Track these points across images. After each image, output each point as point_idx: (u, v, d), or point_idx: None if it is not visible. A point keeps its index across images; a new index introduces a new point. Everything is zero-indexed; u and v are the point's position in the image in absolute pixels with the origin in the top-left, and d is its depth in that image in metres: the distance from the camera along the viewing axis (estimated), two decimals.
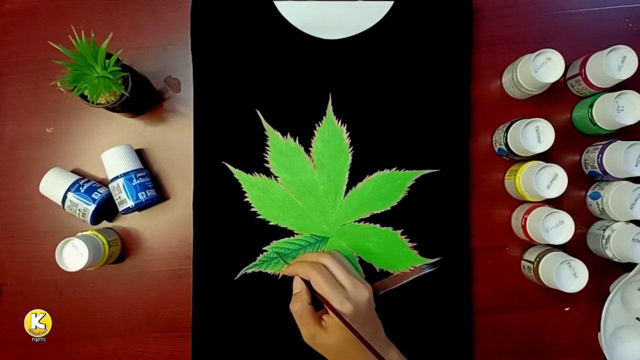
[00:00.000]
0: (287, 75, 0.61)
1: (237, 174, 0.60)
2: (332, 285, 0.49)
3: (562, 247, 0.58)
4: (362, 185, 0.60)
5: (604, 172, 0.56)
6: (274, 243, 0.60)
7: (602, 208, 0.57)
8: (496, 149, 0.61)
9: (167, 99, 0.63)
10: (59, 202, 0.58)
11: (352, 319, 0.48)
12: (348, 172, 0.60)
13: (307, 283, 0.51)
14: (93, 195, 0.58)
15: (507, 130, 0.57)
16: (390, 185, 0.60)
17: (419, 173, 0.60)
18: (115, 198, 0.59)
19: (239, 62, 0.61)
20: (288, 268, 0.54)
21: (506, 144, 0.57)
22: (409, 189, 0.60)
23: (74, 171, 0.62)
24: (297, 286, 0.52)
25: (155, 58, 0.63)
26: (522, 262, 0.61)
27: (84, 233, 0.58)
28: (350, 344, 0.49)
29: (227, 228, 0.60)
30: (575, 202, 0.61)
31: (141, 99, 0.60)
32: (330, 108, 0.61)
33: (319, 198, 0.60)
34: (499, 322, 0.61)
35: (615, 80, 0.54)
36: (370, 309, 0.51)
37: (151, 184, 0.60)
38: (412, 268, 0.60)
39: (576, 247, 0.60)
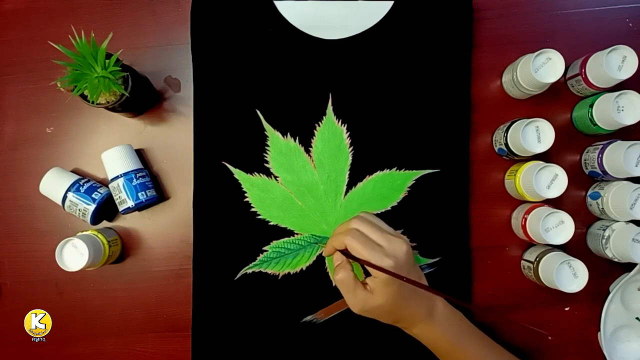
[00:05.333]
0: (287, 76, 0.61)
1: (237, 174, 0.60)
2: (369, 246, 0.49)
3: (562, 247, 0.58)
4: (362, 185, 0.60)
5: (604, 172, 0.56)
6: (274, 243, 0.60)
7: (602, 208, 0.57)
8: (496, 149, 0.61)
9: (167, 99, 0.63)
10: (59, 202, 0.58)
11: (395, 271, 0.48)
12: (348, 172, 0.60)
13: (346, 253, 0.51)
14: (93, 195, 0.58)
15: (507, 130, 0.57)
16: (390, 185, 0.60)
17: (419, 173, 0.60)
18: (115, 198, 0.59)
19: (239, 62, 0.61)
20: (326, 248, 0.54)
21: (506, 144, 0.57)
22: (409, 189, 0.60)
23: (74, 171, 0.62)
24: (338, 258, 0.52)
25: (155, 58, 0.63)
26: (522, 262, 0.61)
27: (84, 233, 0.58)
28: (397, 298, 0.49)
29: (227, 228, 0.60)
30: (575, 202, 0.61)
31: (141, 99, 0.60)
32: (330, 108, 0.61)
33: (319, 198, 0.60)
34: (499, 322, 0.61)
35: (616, 80, 0.54)
36: (410, 259, 0.51)
37: (151, 184, 0.60)
38: None
39: (576, 247, 0.60)
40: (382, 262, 0.48)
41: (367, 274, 0.51)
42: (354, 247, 0.49)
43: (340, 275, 0.51)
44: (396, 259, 0.49)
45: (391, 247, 0.50)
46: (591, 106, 0.56)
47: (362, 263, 0.49)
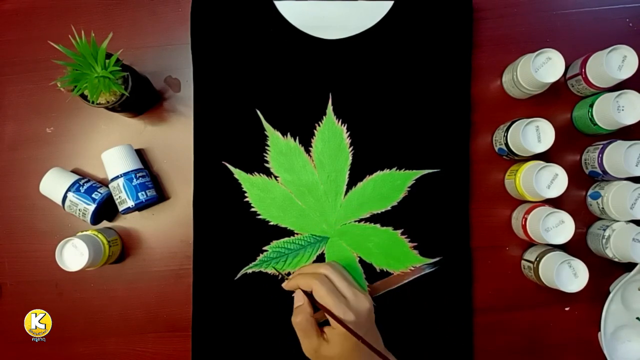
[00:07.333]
0: (287, 75, 0.61)
1: (237, 174, 0.60)
2: (334, 295, 0.49)
3: (562, 247, 0.58)
4: (362, 185, 0.60)
5: (604, 172, 0.56)
6: (274, 243, 0.60)
7: (603, 208, 0.57)
8: (496, 148, 0.61)
9: (167, 99, 0.63)
10: (59, 202, 0.58)
11: (354, 328, 0.48)
12: (348, 172, 0.60)
13: (309, 295, 0.51)
14: (93, 195, 0.58)
15: (507, 130, 0.57)
16: (390, 185, 0.60)
17: (419, 173, 0.60)
18: (115, 198, 0.59)
19: (239, 62, 0.61)
20: (289, 282, 0.54)
21: (506, 144, 0.57)
22: (409, 189, 0.60)
23: (74, 171, 0.62)
24: (299, 299, 0.52)
25: (155, 58, 0.63)
26: (522, 262, 0.61)
27: (84, 233, 0.58)
28: (353, 353, 0.49)
29: (227, 228, 0.60)
30: (576, 202, 0.61)
31: (141, 99, 0.60)
32: (330, 108, 0.61)
33: (319, 198, 0.60)
34: (499, 322, 0.61)
35: (616, 80, 0.54)
36: (371, 319, 0.52)
37: (151, 184, 0.60)
38: (412, 268, 0.60)
39: (576, 247, 0.60)
40: (345, 314, 0.48)
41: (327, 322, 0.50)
42: (320, 293, 0.50)
43: (299, 319, 0.50)
44: (358, 314, 0.49)
45: (355, 302, 0.50)
46: (591, 106, 0.56)
47: (324, 311, 0.49)
